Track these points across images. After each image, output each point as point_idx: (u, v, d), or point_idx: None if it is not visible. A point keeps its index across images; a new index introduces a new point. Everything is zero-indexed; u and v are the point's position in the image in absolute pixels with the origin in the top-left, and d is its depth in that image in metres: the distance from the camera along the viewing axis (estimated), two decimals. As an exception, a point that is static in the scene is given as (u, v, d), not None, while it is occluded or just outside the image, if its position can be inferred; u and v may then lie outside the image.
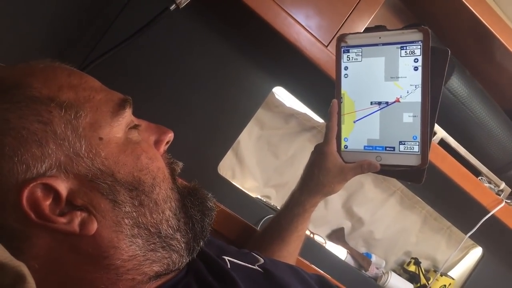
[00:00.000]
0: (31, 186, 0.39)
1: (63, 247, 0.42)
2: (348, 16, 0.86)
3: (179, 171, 0.54)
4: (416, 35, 0.64)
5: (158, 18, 0.79)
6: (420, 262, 1.46)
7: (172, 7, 0.79)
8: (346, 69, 0.70)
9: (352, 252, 1.41)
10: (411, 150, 0.66)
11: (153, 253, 0.47)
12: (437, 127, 1.05)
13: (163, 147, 0.53)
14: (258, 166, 1.36)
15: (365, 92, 0.69)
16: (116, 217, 0.44)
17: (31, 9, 0.74)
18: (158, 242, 0.47)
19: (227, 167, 1.31)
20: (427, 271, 1.52)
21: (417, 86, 0.64)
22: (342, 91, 0.70)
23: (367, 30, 0.69)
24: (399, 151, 0.67)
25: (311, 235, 1.33)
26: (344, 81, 0.70)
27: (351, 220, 1.51)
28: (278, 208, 0.90)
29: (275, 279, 0.57)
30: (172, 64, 0.98)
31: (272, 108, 1.32)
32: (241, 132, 1.07)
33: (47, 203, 0.40)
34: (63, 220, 0.41)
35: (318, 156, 0.73)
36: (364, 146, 0.70)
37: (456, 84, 1.00)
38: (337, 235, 1.47)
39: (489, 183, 1.15)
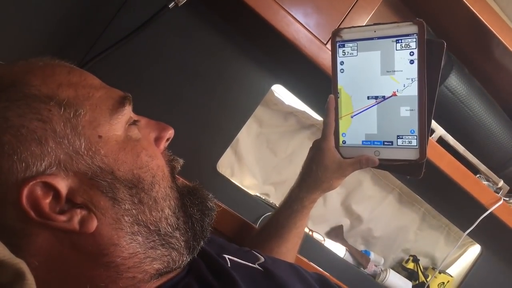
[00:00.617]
0: (31, 185, 0.39)
1: (63, 244, 0.42)
2: (347, 14, 0.86)
3: (179, 168, 0.54)
4: (411, 28, 0.63)
5: (157, 16, 0.79)
6: (419, 260, 1.47)
7: (171, 4, 0.79)
8: (342, 64, 0.70)
9: (350, 249, 1.41)
10: (409, 144, 0.66)
11: (153, 250, 0.47)
12: (435, 125, 1.05)
13: (164, 144, 0.53)
14: (257, 163, 1.36)
15: (362, 86, 0.68)
16: (116, 215, 0.44)
17: (30, 7, 0.74)
18: (157, 239, 0.47)
19: (226, 165, 1.31)
20: (426, 268, 1.52)
21: (413, 80, 0.64)
22: (339, 86, 0.70)
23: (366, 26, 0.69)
24: (397, 145, 0.67)
25: (310, 233, 1.34)
26: (340, 76, 0.70)
27: (350, 218, 1.51)
28: (277, 205, 0.90)
29: (275, 278, 0.57)
30: (171, 61, 0.98)
31: (271, 106, 1.32)
32: (240, 130, 1.07)
33: (46, 201, 0.40)
34: (63, 218, 0.41)
35: (316, 152, 0.73)
36: (362, 141, 0.70)
37: (454, 82, 1.00)
38: (335, 233, 1.47)
39: (488, 181, 1.15)
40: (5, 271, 0.34)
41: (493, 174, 1.15)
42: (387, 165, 0.70)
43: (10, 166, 0.39)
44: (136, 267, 0.45)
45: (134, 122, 0.49)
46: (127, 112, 0.48)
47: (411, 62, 0.64)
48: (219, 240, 0.68)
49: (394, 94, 0.66)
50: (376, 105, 0.68)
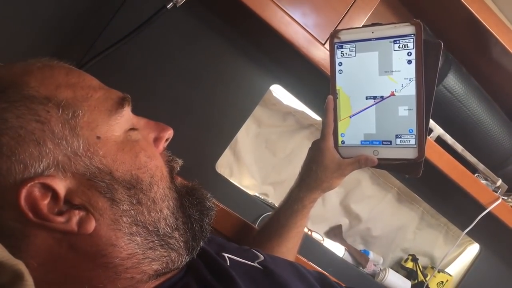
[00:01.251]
0: (29, 186, 0.39)
1: (61, 245, 0.42)
2: (345, 14, 0.86)
3: (178, 169, 0.54)
4: (409, 29, 0.64)
5: (155, 16, 0.79)
6: (418, 259, 1.47)
7: (170, 5, 0.79)
8: (340, 65, 0.70)
9: (349, 249, 1.41)
10: (408, 143, 0.66)
11: (152, 251, 0.47)
12: (433, 125, 1.05)
13: (163, 145, 0.53)
14: (256, 163, 1.36)
15: (360, 87, 0.69)
16: (114, 215, 0.44)
17: (29, 7, 0.74)
18: (156, 240, 0.47)
19: (225, 165, 1.31)
20: (425, 267, 1.52)
21: (411, 80, 0.65)
22: (337, 87, 0.71)
23: (365, 27, 0.69)
24: (396, 144, 0.67)
25: (309, 232, 1.34)
26: (339, 77, 0.71)
27: (349, 218, 1.51)
28: (276, 205, 0.90)
29: (275, 276, 0.57)
30: (170, 62, 0.98)
31: (270, 106, 1.32)
32: (239, 130, 1.07)
33: (45, 202, 0.40)
34: (61, 219, 0.41)
35: (316, 153, 0.73)
36: (361, 141, 0.70)
37: (452, 81, 1.00)
38: (335, 232, 1.47)
39: (486, 180, 1.15)
40: (4, 272, 0.34)
41: (492, 173, 1.15)
42: (386, 165, 0.70)
43: (8, 167, 0.39)
44: (135, 267, 0.45)
45: (134, 124, 0.49)
46: (126, 113, 0.48)
47: (409, 62, 0.65)
48: (218, 239, 0.68)
49: (392, 94, 0.66)
50: (374, 105, 0.68)
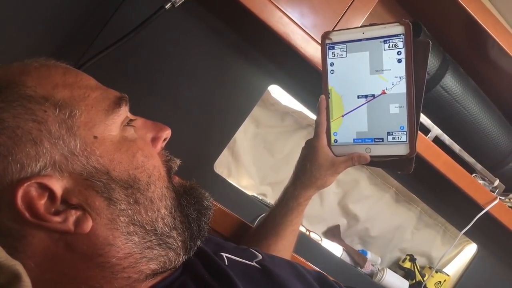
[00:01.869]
0: (26, 186, 0.39)
1: (58, 245, 0.42)
2: (343, 15, 0.86)
3: (176, 168, 0.54)
4: (398, 29, 0.66)
5: (153, 17, 0.79)
6: (415, 259, 1.47)
7: (168, 5, 0.79)
8: (332, 65, 0.72)
9: (347, 249, 1.42)
10: (399, 140, 0.68)
11: (150, 250, 0.47)
12: (431, 125, 1.05)
13: (160, 144, 0.53)
14: (254, 164, 1.36)
15: (352, 86, 0.71)
16: (112, 215, 0.44)
17: (26, 7, 0.73)
18: (154, 239, 0.47)
19: (223, 165, 1.31)
20: (422, 267, 1.53)
21: (401, 78, 0.67)
22: (330, 87, 0.72)
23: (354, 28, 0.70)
24: (388, 141, 0.69)
25: (307, 233, 1.34)
26: (330, 77, 0.72)
27: (347, 218, 1.51)
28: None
29: (273, 275, 0.57)
30: (168, 62, 0.98)
31: (268, 106, 1.32)
32: (237, 130, 1.07)
33: (41, 202, 0.40)
34: (58, 219, 0.41)
35: (310, 151, 0.75)
36: (354, 139, 0.72)
37: (450, 81, 1.00)
38: (333, 233, 1.47)
39: (484, 180, 1.15)
40: (2, 273, 0.34)
41: (489, 173, 1.15)
42: (378, 162, 0.72)
43: (5, 167, 0.39)
44: (132, 267, 0.45)
45: (130, 123, 0.49)
46: (123, 112, 0.48)
47: (399, 61, 0.66)
48: (216, 239, 0.68)
49: (383, 93, 0.68)
50: (366, 104, 0.70)
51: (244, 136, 1.32)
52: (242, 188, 1.25)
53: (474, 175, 1.13)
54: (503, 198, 1.17)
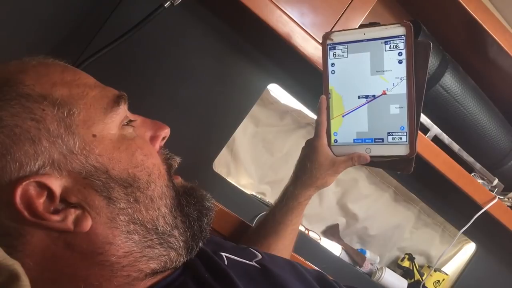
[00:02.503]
0: (24, 184, 0.39)
1: (57, 244, 0.42)
2: (342, 14, 0.86)
3: (176, 166, 0.54)
4: (399, 30, 0.66)
5: (152, 15, 0.79)
6: (414, 258, 1.47)
7: (167, 4, 0.79)
8: (332, 66, 0.72)
9: (346, 248, 1.42)
10: (399, 140, 0.68)
11: (151, 249, 0.47)
12: (430, 124, 1.05)
13: (159, 143, 0.53)
14: (253, 163, 1.36)
15: (352, 87, 0.71)
16: (111, 214, 0.44)
17: (25, 5, 0.73)
18: (155, 238, 0.47)
19: (222, 164, 1.30)
20: (421, 266, 1.53)
21: (402, 79, 0.67)
22: (330, 87, 0.73)
23: (361, 27, 0.70)
24: (388, 142, 0.69)
25: (306, 232, 1.34)
26: (331, 77, 0.73)
27: (346, 217, 1.51)
28: (273, 205, 0.90)
29: (272, 275, 0.57)
30: (167, 61, 0.98)
31: (267, 105, 1.32)
32: (236, 129, 1.07)
33: (40, 201, 0.40)
34: (57, 217, 0.41)
35: (310, 151, 0.75)
36: (354, 139, 0.72)
37: (449, 81, 1.00)
38: (331, 232, 1.47)
39: (483, 179, 1.15)
40: (0, 273, 0.34)
41: (488, 173, 1.15)
42: (378, 162, 0.72)
43: (4, 166, 0.39)
44: (131, 265, 0.45)
45: (129, 122, 0.49)
46: (122, 111, 0.48)
47: (400, 62, 0.67)
48: (216, 238, 0.68)
49: (384, 93, 0.69)
50: (366, 104, 0.70)
51: (243, 135, 1.31)
52: (241, 187, 1.25)
53: (473, 174, 1.13)
54: (502, 197, 1.17)
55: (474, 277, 1.41)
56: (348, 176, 1.41)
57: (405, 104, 0.67)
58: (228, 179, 1.16)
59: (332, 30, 0.72)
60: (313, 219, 1.46)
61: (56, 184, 0.41)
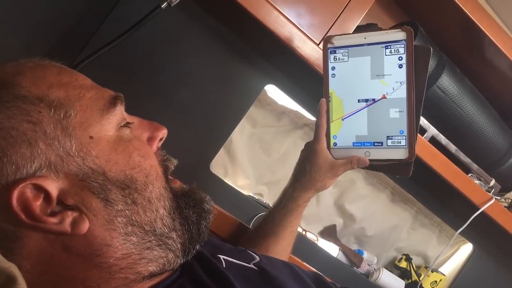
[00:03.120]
0: (21, 187, 0.39)
1: (54, 247, 0.42)
2: (340, 15, 0.86)
3: (172, 168, 0.54)
4: (400, 35, 0.67)
5: (150, 16, 0.79)
6: (411, 259, 1.47)
7: (164, 5, 0.78)
8: (333, 69, 0.73)
9: (344, 249, 1.42)
10: (399, 144, 0.69)
11: (149, 251, 0.47)
12: (427, 125, 1.06)
13: (157, 144, 0.53)
14: (250, 164, 1.36)
15: (352, 90, 0.72)
16: (109, 216, 0.44)
17: (21, 7, 0.73)
18: (154, 240, 0.47)
19: (219, 165, 1.30)
20: (418, 267, 1.53)
21: (402, 83, 0.68)
22: (330, 91, 0.73)
23: (359, 28, 0.71)
24: (387, 145, 0.70)
25: (303, 232, 1.34)
26: (331, 81, 0.73)
27: (343, 217, 1.51)
28: (271, 205, 0.90)
29: (270, 278, 0.57)
30: (164, 62, 0.97)
31: (264, 106, 1.32)
32: (233, 130, 1.07)
33: (37, 203, 0.40)
34: (54, 220, 0.41)
35: (309, 153, 0.75)
36: (353, 143, 0.72)
37: (446, 82, 1.00)
38: (329, 232, 1.47)
39: (479, 180, 1.16)
40: (-4, 275, 0.33)
41: (485, 173, 1.16)
42: (377, 165, 0.73)
43: (0, 168, 0.39)
44: (129, 268, 0.45)
45: (127, 124, 0.49)
46: (119, 112, 0.48)
47: (400, 66, 0.68)
48: (213, 240, 0.68)
49: (384, 97, 0.69)
50: (366, 108, 0.71)
51: (241, 136, 1.31)
52: (238, 188, 1.25)
53: (470, 175, 1.13)
54: (498, 198, 1.17)
55: (471, 277, 1.41)
56: (345, 177, 1.41)
57: (405, 108, 0.67)
58: (225, 180, 1.16)
59: (333, 34, 0.72)
60: (311, 219, 1.46)
61: (53, 186, 0.41)
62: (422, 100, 0.67)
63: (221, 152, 1.20)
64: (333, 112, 0.73)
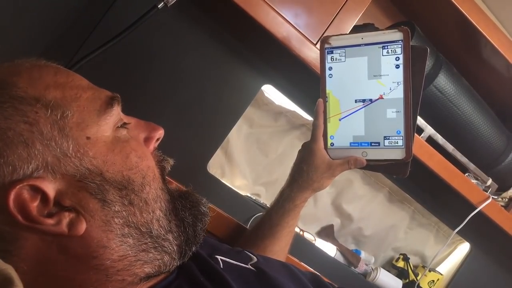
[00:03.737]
0: (18, 188, 0.39)
1: (52, 248, 0.42)
2: (336, 15, 0.86)
3: (169, 168, 0.54)
4: (397, 35, 0.67)
5: (146, 16, 0.78)
6: (409, 258, 1.48)
7: (161, 5, 0.78)
8: (330, 70, 0.73)
9: (341, 249, 1.42)
10: (396, 144, 0.69)
11: (145, 253, 0.46)
12: (424, 125, 1.06)
13: (153, 144, 0.53)
14: (248, 164, 1.36)
15: (350, 90, 0.72)
16: (106, 217, 0.43)
17: (16, 6, 0.73)
18: (149, 242, 0.47)
19: (216, 166, 1.30)
20: (416, 266, 1.53)
21: (399, 83, 0.68)
22: (327, 91, 0.73)
23: (355, 28, 0.71)
24: (384, 146, 0.70)
25: (301, 232, 1.34)
26: (328, 81, 0.73)
27: (341, 217, 1.51)
28: (268, 206, 0.90)
29: (268, 278, 0.57)
30: (161, 62, 0.97)
31: (261, 106, 1.32)
32: (231, 130, 1.06)
33: (34, 204, 0.40)
34: (51, 221, 0.40)
35: (307, 154, 0.75)
36: (350, 143, 0.73)
37: (443, 81, 1.00)
38: (326, 232, 1.47)
39: (476, 179, 1.16)
40: (-7, 277, 0.33)
41: (482, 173, 1.16)
42: (374, 165, 0.73)
43: (-3, 169, 0.39)
44: (126, 269, 0.45)
45: (124, 124, 0.49)
46: (116, 112, 0.47)
47: (397, 66, 0.68)
48: (211, 241, 0.68)
49: (381, 97, 0.69)
50: (363, 108, 0.71)
51: (238, 136, 1.31)
52: (235, 188, 1.24)
53: (467, 174, 1.13)
54: (495, 197, 1.17)
55: (468, 276, 1.41)
56: (342, 176, 1.41)
57: (402, 108, 0.68)
58: (222, 181, 1.16)
59: (330, 35, 0.72)
60: (308, 219, 1.46)
61: (50, 187, 0.41)
62: (419, 100, 0.68)
63: (218, 153, 1.20)
64: (330, 112, 0.73)
